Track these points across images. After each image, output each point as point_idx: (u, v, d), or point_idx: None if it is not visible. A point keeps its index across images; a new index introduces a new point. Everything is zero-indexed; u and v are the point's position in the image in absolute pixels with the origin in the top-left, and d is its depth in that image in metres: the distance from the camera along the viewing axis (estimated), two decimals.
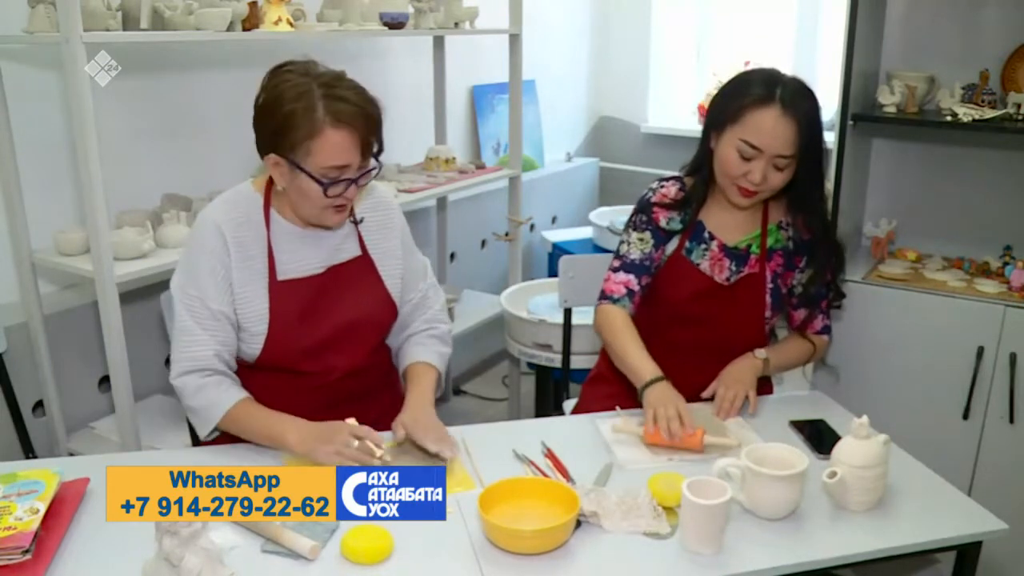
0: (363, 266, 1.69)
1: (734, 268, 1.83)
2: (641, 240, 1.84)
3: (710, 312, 1.83)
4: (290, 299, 1.60)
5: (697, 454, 1.58)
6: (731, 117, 1.70)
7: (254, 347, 1.60)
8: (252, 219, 1.60)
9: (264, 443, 1.55)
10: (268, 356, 1.61)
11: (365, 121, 1.51)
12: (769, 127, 1.66)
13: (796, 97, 1.67)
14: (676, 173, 1.89)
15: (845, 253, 1.91)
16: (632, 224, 1.87)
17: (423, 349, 1.74)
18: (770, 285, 1.83)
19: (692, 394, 1.83)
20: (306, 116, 1.47)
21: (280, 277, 1.60)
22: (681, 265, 1.83)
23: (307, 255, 1.63)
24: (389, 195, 1.80)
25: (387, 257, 1.72)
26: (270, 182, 1.62)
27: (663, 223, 1.84)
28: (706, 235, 1.83)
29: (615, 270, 1.86)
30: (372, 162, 1.56)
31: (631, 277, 1.84)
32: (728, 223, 1.84)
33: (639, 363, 1.73)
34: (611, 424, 1.69)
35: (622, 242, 1.88)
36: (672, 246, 1.85)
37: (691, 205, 1.83)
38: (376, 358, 1.75)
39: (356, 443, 1.46)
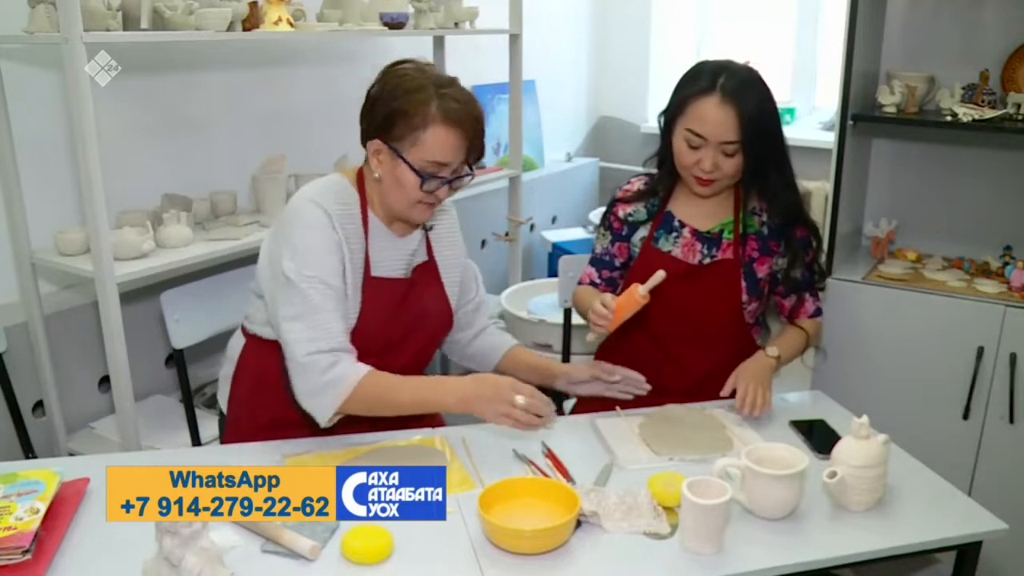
0: (430, 272, 1.75)
1: (706, 252, 1.85)
2: (603, 236, 1.96)
3: (686, 297, 1.84)
4: (380, 296, 1.64)
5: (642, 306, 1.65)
6: (678, 109, 1.76)
7: None
8: (352, 214, 1.63)
9: (411, 409, 1.53)
10: None
11: (473, 125, 1.59)
12: (710, 115, 1.71)
13: (739, 86, 1.71)
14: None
15: (819, 233, 1.91)
16: (602, 219, 1.98)
17: (507, 336, 1.88)
18: (743, 269, 1.84)
19: (680, 384, 1.85)
20: (419, 108, 1.53)
21: (373, 274, 1.64)
22: (651, 254, 1.87)
23: (392, 255, 1.67)
24: (452, 208, 1.85)
25: (448, 266, 1.78)
26: (361, 180, 1.65)
27: (621, 214, 1.91)
28: (676, 223, 1.87)
29: (589, 262, 1.98)
30: (466, 168, 1.62)
31: (592, 270, 1.97)
32: (698, 211, 1.87)
33: (587, 305, 1.77)
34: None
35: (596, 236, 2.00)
36: (641, 238, 1.89)
37: (656, 196, 1.88)
38: (424, 363, 1.80)
39: (521, 400, 1.46)
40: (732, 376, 1.76)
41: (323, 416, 1.51)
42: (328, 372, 1.49)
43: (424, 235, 1.74)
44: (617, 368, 1.74)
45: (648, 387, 1.74)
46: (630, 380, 1.74)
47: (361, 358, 1.61)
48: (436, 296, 1.75)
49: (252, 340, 1.71)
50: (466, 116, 1.57)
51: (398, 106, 1.54)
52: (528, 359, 1.83)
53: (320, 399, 1.50)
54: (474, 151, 1.61)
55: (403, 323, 1.68)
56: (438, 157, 1.56)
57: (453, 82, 1.60)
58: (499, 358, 1.84)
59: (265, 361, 1.67)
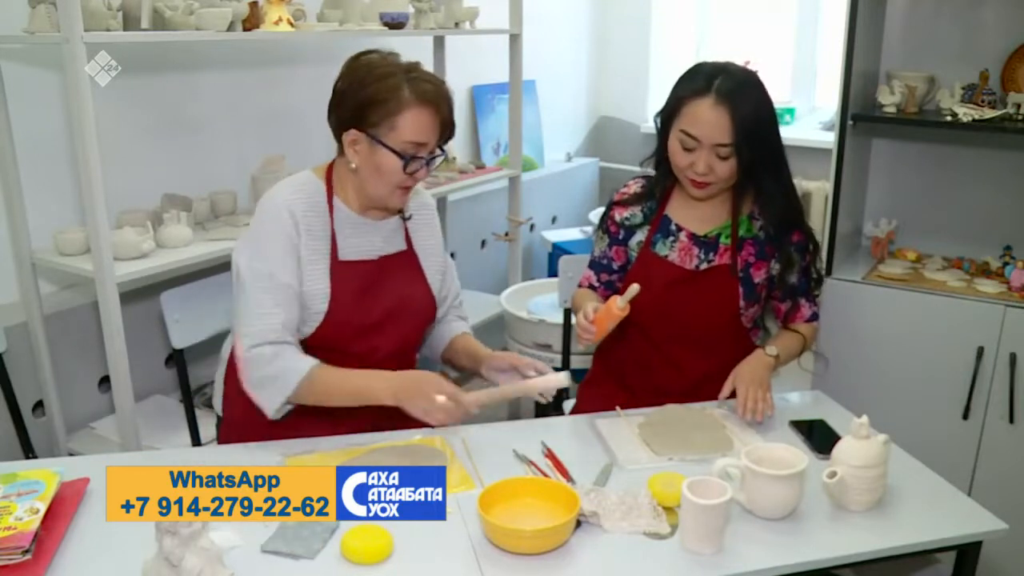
0: (408, 260, 1.77)
1: (703, 256, 1.84)
2: (600, 239, 1.95)
3: (684, 302, 1.83)
4: (349, 279, 1.67)
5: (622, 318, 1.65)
6: (673, 109, 1.76)
7: (311, 325, 1.65)
8: (317, 203, 1.66)
9: (348, 402, 1.59)
10: (323, 334, 1.66)
11: (445, 103, 1.62)
12: (703, 117, 1.70)
13: (735, 88, 1.70)
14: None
15: (816, 238, 1.90)
16: (599, 222, 1.98)
17: (461, 324, 1.91)
18: (740, 275, 1.83)
19: (679, 386, 1.84)
20: (392, 93, 1.57)
21: (341, 258, 1.66)
22: (649, 259, 1.87)
23: (363, 242, 1.70)
24: (431, 198, 1.89)
25: (429, 255, 1.80)
26: (330, 171, 1.69)
27: (618, 218, 1.91)
28: (673, 227, 1.86)
29: (588, 264, 1.98)
30: (439, 149, 1.66)
31: (591, 273, 1.96)
32: (695, 215, 1.86)
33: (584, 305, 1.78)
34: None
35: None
36: (639, 243, 1.88)
37: (652, 199, 1.88)
38: (412, 352, 1.84)
39: (442, 399, 1.51)
40: (730, 377, 1.76)
41: (270, 407, 1.57)
42: (271, 364, 1.56)
43: (402, 224, 1.76)
44: (535, 363, 1.71)
45: (550, 399, 1.68)
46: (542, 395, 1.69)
47: (340, 343, 1.66)
48: (416, 283, 1.76)
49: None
50: (438, 95, 1.61)
51: (370, 92, 1.57)
52: (465, 345, 1.84)
53: (266, 391, 1.57)
54: (447, 129, 1.65)
55: (379, 307, 1.69)
56: (417, 138, 1.59)
57: (418, 66, 1.63)
58: (445, 346, 1.87)
59: None
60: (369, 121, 1.58)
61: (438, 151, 1.66)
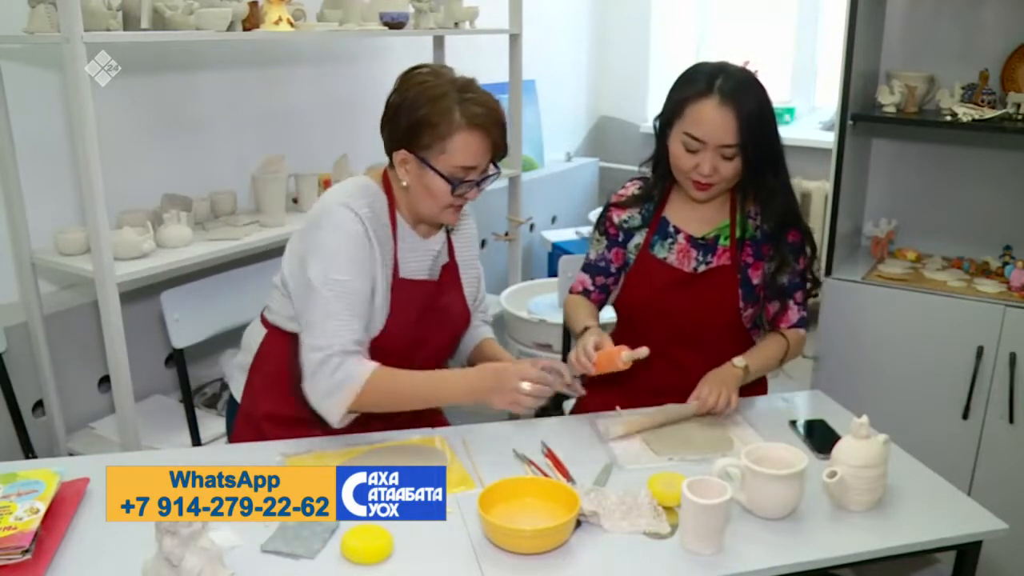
0: (451, 273, 1.75)
1: (701, 258, 1.84)
2: (598, 241, 1.94)
3: (683, 304, 1.83)
4: (408, 299, 1.64)
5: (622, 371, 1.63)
6: (675, 112, 1.74)
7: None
8: (381, 214, 1.63)
9: (418, 404, 1.59)
10: (372, 349, 1.61)
11: (497, 126, 1.59)
12: (708, 118, 1.68)
13: (737, 87, 1.69)
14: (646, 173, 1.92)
15: (814, 239, 1.88)
16: (596, 225, 1.96)
17: (486, 328, 1.90)
18: (739, 276, 1.82)
19: (680, 385, 1.82)
20: (443, 117, 1.53)
21: (401, 275, 1.64)
22: (648, 262, 1.86)
23: (418, 258, 1.68)
24: (471, 210, 1.84)
25: (467, 266, 1.79)
26: (387, 182, 1.65)
27: (616, 220, 1.90)
28: (671, 229, 1.86)
29: (582, 268, 1.96)
30: (492, 168, 1.62)
31: (587, 276, 1.94)
32: (693, 216, 1.85)
33: (576, 323, 1.81)
34: (613, 425, 1.69)
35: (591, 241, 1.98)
36: (637, 245, 1.88)
37: (651, 201, 1.87)
38: (444, 362, 1.82)
39: (527, 386, 1.50)
40: (698, 386, 1.72)
41: (335, 416, 1.52)
42: (336, 373, 1.51)
43: (446, 237, 1.75)
44: (549, 369, 1.68)
45: (582, 391, 1.69)
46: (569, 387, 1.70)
47: (386, 357, 1.61)
48: (455, 295, 1.75)
49: (273, 332, 1.70)
50: (490, 119, 1.57)
51: (422, 115, 1.54)
52: (489, 353, 1.82)
53: (331, 399, 1.52)
54: (499, 150, 1.62)
55: (428, 323, 1.68)
56: (466, 162, 1.56)
57: (472, 84, 1.59)
58: (470, 351, 1.86)
59: (287, 353, 1.66)
60: (420, 143, 1.55)
61: (491, 169, 1.62)
